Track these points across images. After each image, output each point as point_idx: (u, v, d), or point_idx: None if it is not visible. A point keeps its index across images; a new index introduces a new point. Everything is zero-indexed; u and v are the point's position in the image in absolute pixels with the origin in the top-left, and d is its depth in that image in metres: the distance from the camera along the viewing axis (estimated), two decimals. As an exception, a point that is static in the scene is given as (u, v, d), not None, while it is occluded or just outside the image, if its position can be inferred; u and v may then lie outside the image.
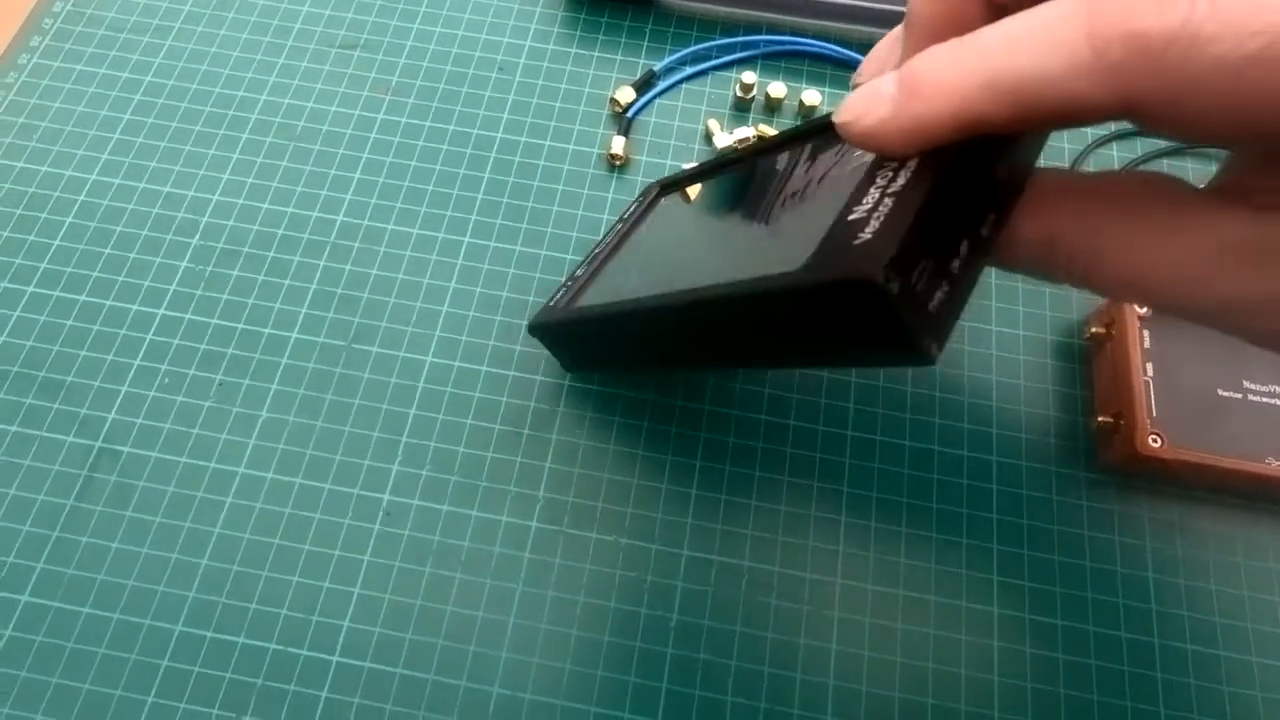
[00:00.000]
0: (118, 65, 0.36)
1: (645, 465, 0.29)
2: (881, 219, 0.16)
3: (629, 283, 0.25)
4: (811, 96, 0.35)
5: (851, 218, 0.17)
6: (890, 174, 0.17)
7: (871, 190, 0.17)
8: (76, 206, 0.33)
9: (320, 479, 0.29)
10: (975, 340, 0.32)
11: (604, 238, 0.30)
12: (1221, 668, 0.27)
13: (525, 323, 0.31)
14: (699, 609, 0.27)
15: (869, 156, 0.18)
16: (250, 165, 0.34)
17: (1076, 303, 0.32)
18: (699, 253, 0.23)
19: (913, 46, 0.19)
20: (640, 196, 0.31)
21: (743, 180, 0.26)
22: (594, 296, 0.26)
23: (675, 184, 0.31)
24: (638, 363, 0.28)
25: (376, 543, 0.28)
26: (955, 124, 0.15)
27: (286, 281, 0.32)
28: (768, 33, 0.38)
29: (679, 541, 0.28)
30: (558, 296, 0.28)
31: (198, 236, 0.33)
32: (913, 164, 0.17)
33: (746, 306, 0.19)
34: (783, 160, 0.25)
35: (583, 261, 0.29)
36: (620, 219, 0.30)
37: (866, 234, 0.16)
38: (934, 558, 0.28)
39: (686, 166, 0.34)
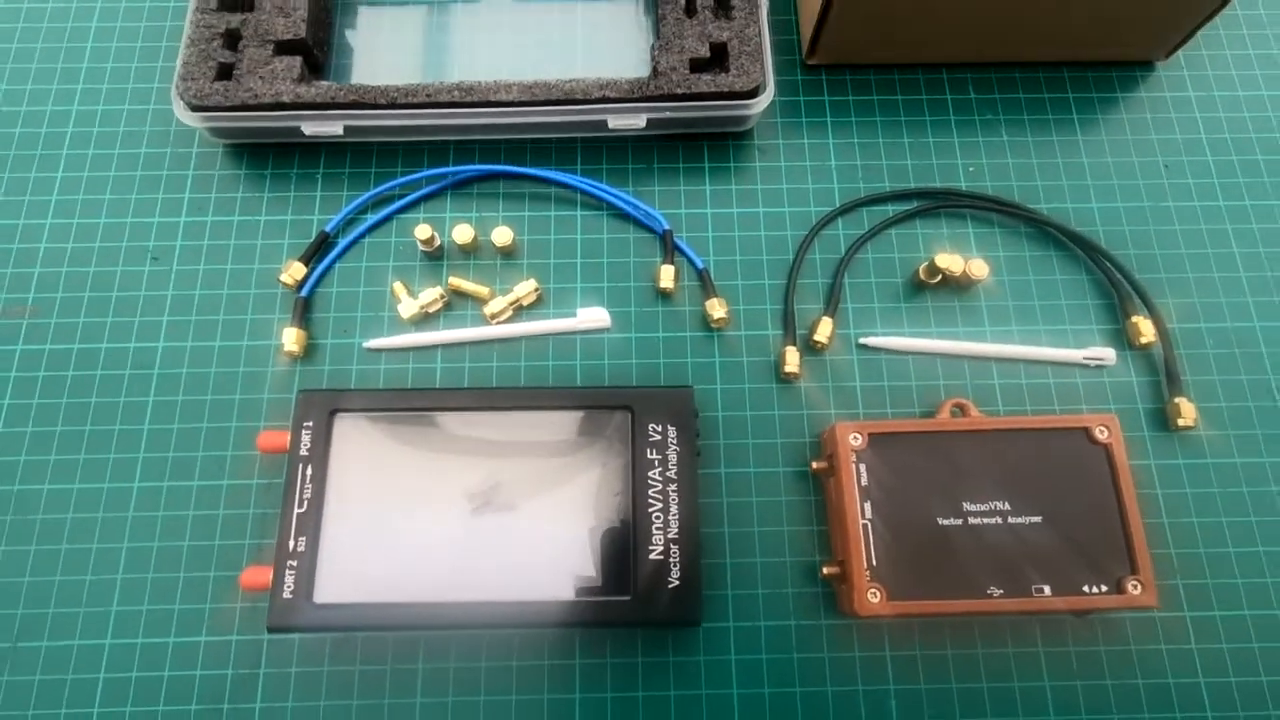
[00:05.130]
0: None
1: (394, 713, 0.27)
2: (680, 568, 0.26)
3: (391, 575, 0.26)
4: (502, 235, 0.31)
5: (653, 557, 0.26)
6: (661, 514, 0.26)
7: (654, 532, 0.26)
8: None
9: (0, 815, 0.26)
10: (707, 489, 0.29)
11: (291, 474, 0.27)
12: (970, 806, 0.26)
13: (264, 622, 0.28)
14: None
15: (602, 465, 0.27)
16: None
17: (809, 422, 0.31)
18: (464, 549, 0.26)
19: None
20: (302, 415, 0.27)
21: (465, 454, 0.27)
22: (348, 590, 0.26)
23: (348, 407, 0.28)
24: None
25: None
26: None
27: (-68, 581, 0.28)
28: (456, 156, 0.34)
29: (405, 797, 0.26)
30: (286, 582, 0.25)
31: None
32: (674, 505, 0.26)
33: (574, 623, 0.26)
34: (504, 430, 0.28)
35: (285, 519, 0.26)
36: (295, 453, 0.27)
37: (674, 579, 0.26)
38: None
39: (372, 376, 0.31)
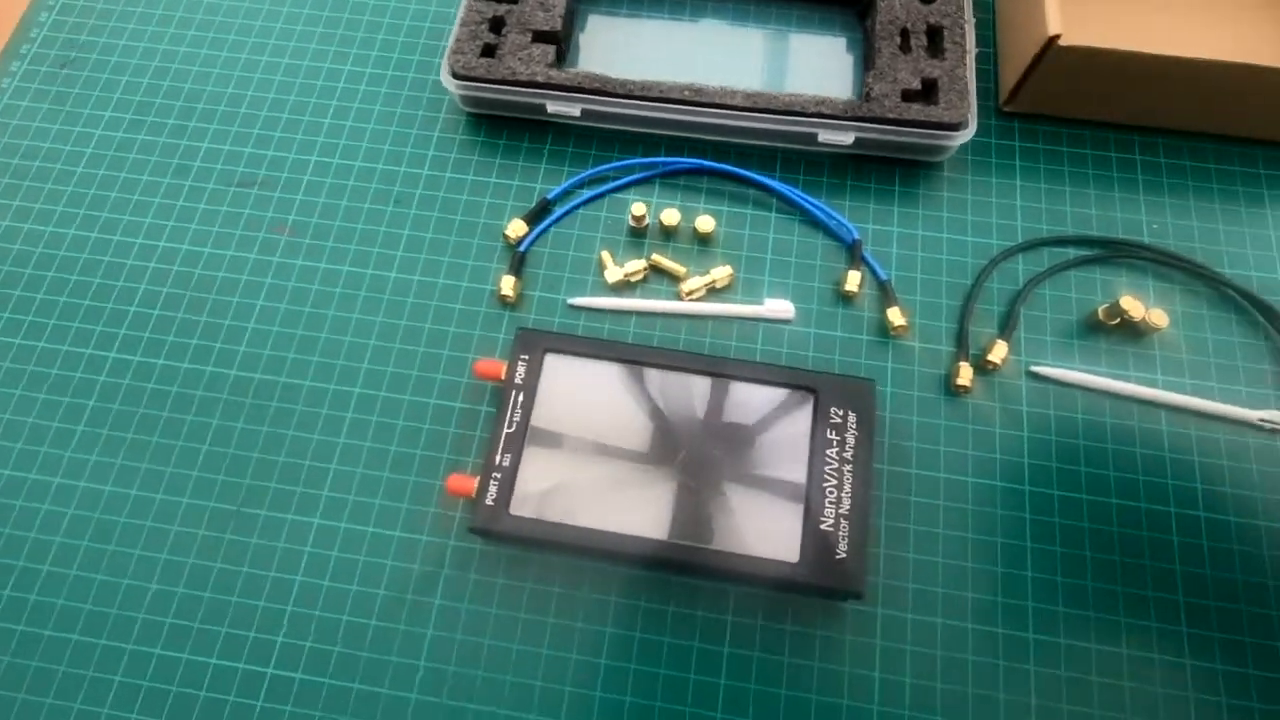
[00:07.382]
0: None
1: (555, 634, 0.29)
2: (848, 542, 0.27)
3: (579, 500, 0.28)
4: (705, 223, 0.35)
5: (823, 528, 0.28)
6: (835, 489, 0.28)
7: (827, 505, 0.28)
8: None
9: (205, 654, 0.29)
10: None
11: (504, 398, 0.30)
12: None
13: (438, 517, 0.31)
14: (576, 782, 0.27)
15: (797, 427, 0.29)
16: (146, 319, 0.35)
17: (973, 436, 0.32)
18: (656, 486, 0.29)
19: None
20: (520, 350, 0.31)
21: (658, 405, 0.30)
22: (540, 507, 0.28)
23: (560, 349, 0.31)
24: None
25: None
26: None
27: (179, 443, 0.32)
28: (666, 150, 0.37)
29: (589, 713, 0.28)
30: (490, 490, 0.28)
31: (93, 397, 0.33)
32: (848, 484, 0.28)
33: (739, 575, 0.28)
34: (696, 390, 0.30)
35: (495, 436, 0.29)
36: (510, 381, 0.30)
37: (842, 552, 0.27)
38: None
39: (570, 330, 0.34)
